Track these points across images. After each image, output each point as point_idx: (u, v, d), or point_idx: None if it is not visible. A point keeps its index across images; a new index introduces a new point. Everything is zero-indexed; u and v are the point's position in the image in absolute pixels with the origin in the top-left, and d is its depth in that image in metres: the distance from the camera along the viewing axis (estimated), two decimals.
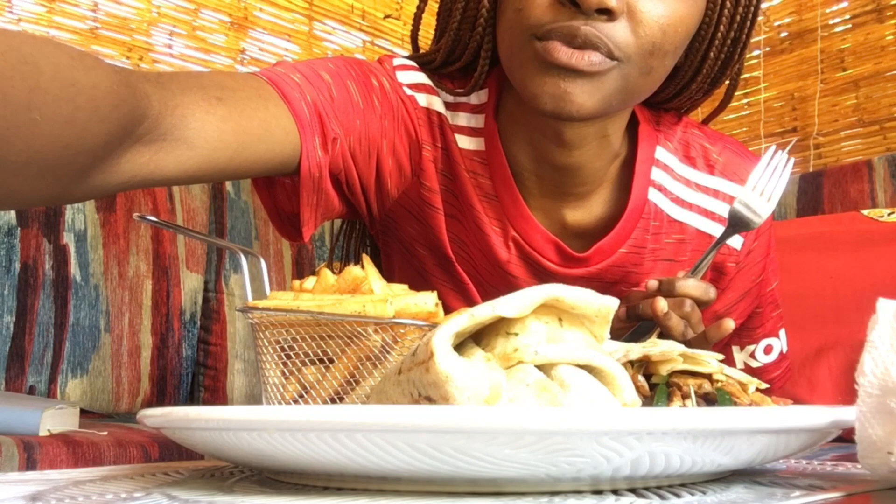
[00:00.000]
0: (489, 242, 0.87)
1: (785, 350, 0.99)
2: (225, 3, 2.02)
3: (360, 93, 0.82)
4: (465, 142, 0.86)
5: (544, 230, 0.86)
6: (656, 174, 0.87)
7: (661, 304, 0.75)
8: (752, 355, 0.97)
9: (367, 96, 0.82)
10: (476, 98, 0.87)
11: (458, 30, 0.84)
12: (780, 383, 1.00)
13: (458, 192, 0.87)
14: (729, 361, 0.96)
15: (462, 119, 0.87)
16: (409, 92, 0.85)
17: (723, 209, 0.88)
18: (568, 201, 0.87)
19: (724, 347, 0.95)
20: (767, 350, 0.97)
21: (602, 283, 0.87)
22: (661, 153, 0.88)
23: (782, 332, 0.99)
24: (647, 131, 0.87)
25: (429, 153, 0.86)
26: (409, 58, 0.90)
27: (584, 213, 0.87)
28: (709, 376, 0.58)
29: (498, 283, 0.88)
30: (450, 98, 0.87)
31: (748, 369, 0.96)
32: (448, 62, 0.87)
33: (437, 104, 0.86)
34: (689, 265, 0.88)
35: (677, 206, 0.88)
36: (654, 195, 0.87)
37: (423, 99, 0.86)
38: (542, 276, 0.87)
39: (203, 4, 1.98)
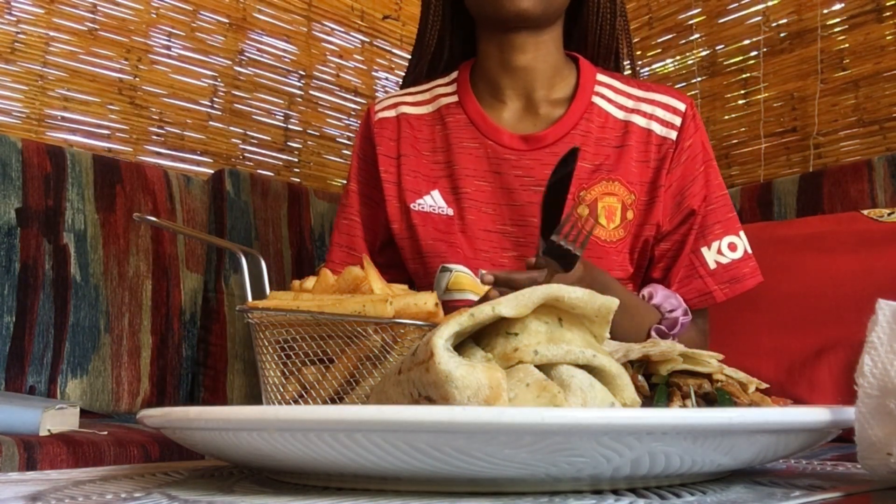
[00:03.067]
0: (472, 160, 1.15)
1: (749, 251, 1.16)
2: (223, 4, 2.01)
3: (363, 190, 1.21)
4: (446, 99, 1.21)
5: (507, 130, 1.15)
6: (599, 89, 1.18)
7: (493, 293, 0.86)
8: (720, 251, 1.15)
9: (365, 184, 1.21)
10: (447, 79, 1.22)
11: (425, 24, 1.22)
12: (752, 282, 1.15)
13: (444, 144, 1.18)
14: (703, 266, 1.14)
15: (440, 89, 1.22)
16: (378, 116, 1.21)
17: (661, 113, 1.15)
18: (540, 103, 1.17)
19: (695, 254, 1.14)
20: (732, 247, 1.15)
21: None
22: (602, 77, 1.19)
23: (742, 234, 1.17)
24: (587, 66, 1.20)
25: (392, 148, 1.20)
26: (402, 81, 1.28)
27: (549, 109, 1.17)
28: (709, 376, 0.58)
29: (490, 197, 1.14)
30: (423, 89, 1.23)
31: (721, 268, 1.14)
32: (421, 55, 1.23)
33: (403, 107, 1.21)
34: (636, 154, 1.13)
35: (620, 111, 1.17)
36: (597, 100, 1.17)
37: (391, 112, 1.21)
38: (508, 163, 1.14)
39: (201, 5, 1.98)
